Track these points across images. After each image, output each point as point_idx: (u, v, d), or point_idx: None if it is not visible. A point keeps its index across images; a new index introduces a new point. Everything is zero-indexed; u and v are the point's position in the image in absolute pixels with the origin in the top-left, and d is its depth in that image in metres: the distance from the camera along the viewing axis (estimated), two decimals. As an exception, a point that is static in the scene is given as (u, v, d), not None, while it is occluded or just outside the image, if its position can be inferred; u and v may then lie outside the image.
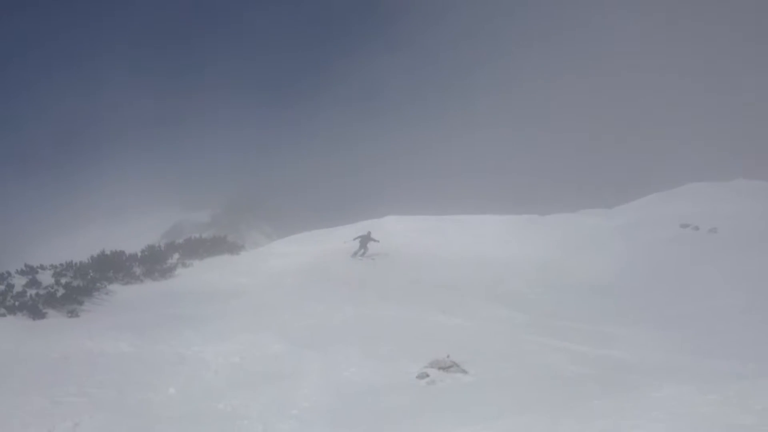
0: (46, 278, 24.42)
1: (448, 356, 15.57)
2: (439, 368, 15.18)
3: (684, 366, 13.94)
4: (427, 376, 14.90)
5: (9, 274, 24.38)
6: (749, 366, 13.26)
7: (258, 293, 24.32)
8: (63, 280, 24.13)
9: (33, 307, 20.60)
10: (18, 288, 22.50)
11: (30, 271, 25.36)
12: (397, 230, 37.46)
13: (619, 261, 29.08)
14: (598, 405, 10.18)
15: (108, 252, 30.15)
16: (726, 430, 7.31)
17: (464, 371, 15.23)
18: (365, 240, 30.72)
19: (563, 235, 36.29)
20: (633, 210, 43.68)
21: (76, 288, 23.24)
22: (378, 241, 30.85)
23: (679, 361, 14.56)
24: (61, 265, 26.87)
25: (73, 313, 21.04)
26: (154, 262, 29.46)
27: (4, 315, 19.97)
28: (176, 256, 32.10)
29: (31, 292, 22.27)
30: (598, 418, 8.87)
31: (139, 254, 31.03)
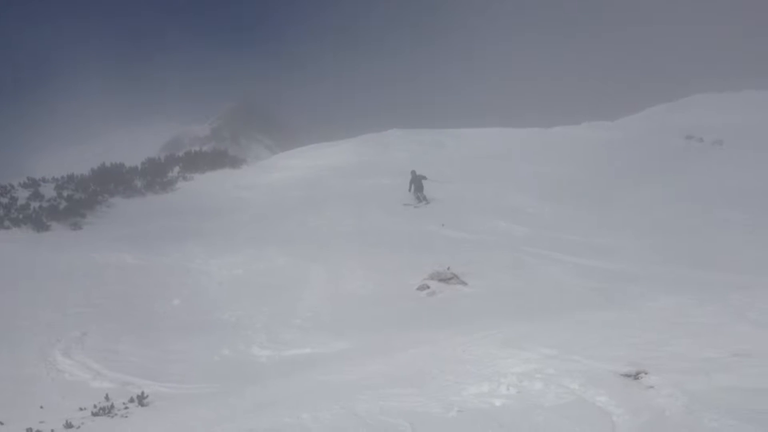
0: (48, 191, 24.53)
1: (448, 268, 15.79)
2: (440, 280, 15.44)
3: (683, 278, 14.14)
4: (428, 287, 15.16)
5: (12, 186, 24.48)
6: (747, 278, 13.45)
7: (260, 207, 24.44)
8: (65, 193, 24.24)
9: (37, 220, 20.80)
10: (21, 201, 22.64)
11: (32, 183, 25.47)
12: (399, 144, 37.28)
13: (622, 174, 28.97)
14: (596, 315, 10.39)
15: (108, 165, 30.16)
16: (723, 339, 7.48)
17: (464, 283, 15.49)
18: (417, 181, 24.99)
19: (566, 148, 36.05)
20: (637, 122, 43.31)
21: (79, 201, 23.38)
22: (426, 178, 25.18)
23: (678, 272, 14.76)
24: (63, 177, 26.93)
25: (76, 226, 21.25)
26: (154, 175, 29.48)
27: (8, 228, 20.18)
28: (177, 169, 32.08)
29: (35, 204, 22.43)
30: (598, 328, 9.08)
31: (140, 167, 31.04)
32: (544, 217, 22.56)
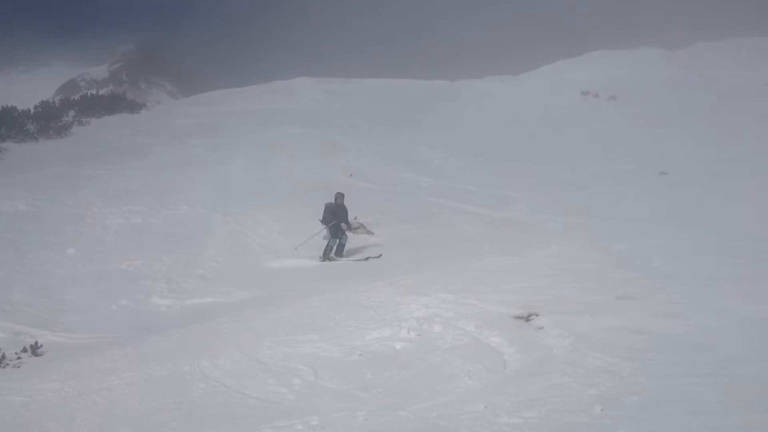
0: (-72, 134, 22.80)
1: (355, 218, 15.90)
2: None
3: (573, 226, 14.87)
4: (333, 236, 15.22)
5: None
6: (634, 227, 14.27)
7: (162, 154, 23.64)
8: (-49, 137, 22.65)
9: None
10: None
11: None
12: (308, 92, 36.84)
13: (522, 127, 29.87)
14: (493, 261, 10.78)
15: (-2, 108, 28.44)
16: (608, 283, 7.94)
17: (370, 232, 15.69)
18: (333, 213, 14.73)
19: (470, 102, 36.67)
20: (537, 77, 44.42)
21: (-34, 145, 21.93)
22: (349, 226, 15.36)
23: (569, 221, 15.51)
24: (-51, 120, 25.13)
25: (-39, 172, 19.94)
26: (48, 120, 28.04)
27: None
28: (72, 113, 30.76)
29: None
30: (494, 273, 9.43)
31: (33, 111, 29.49)
32: (449, 168, 23.01)
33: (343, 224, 14.54)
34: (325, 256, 14.14)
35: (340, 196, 14.93)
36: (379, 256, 13.71)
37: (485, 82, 43.54)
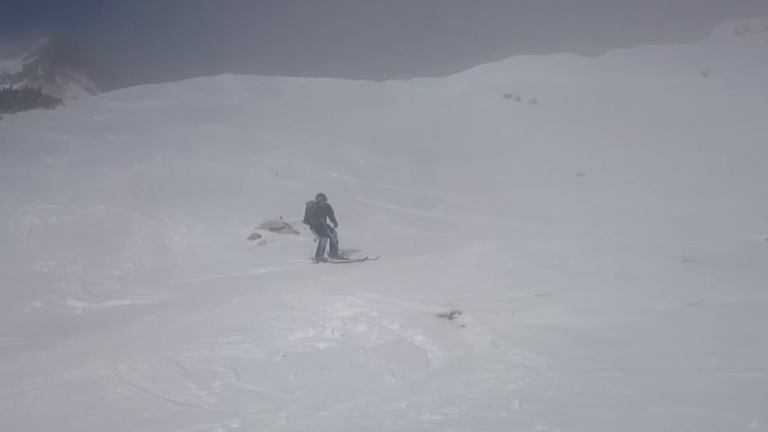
0: None
1: (280, 217, 15.73)
2: (271, 229, 15.38)
3: (494, 226, 15.18)
4: (259, 237, 15.04)
5: None
6: (552, 226, 14.69)
7: (78, 151, 22.77)
8: None
9: None
10: None
11: None
12: (232, 90, 36.29)
13: (447, 128, 30.33)
14: (418, 260, 10.91)
15: None
16: (527, 281, 8.17)
17: (296, 232, 15.54)
18: (315, 214, 13.92)
19: (396, 102, 37.00)
20: (462, 79, 45.25)
21: None
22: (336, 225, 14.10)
23: (490, 221, 15.83)
24: None
25: None
26: (-46, 114, 26.64)
27: None
28: (-18, 108, 29.35)
29: None
30: (418, 272, 9.54)
31: (-63, 105, 28.00)
32: (375, 167, 23.11)
33: (329, 222, 13.86)
34: (318, 257, 13.44)
35: (322, 199, 14.09)
36: (377, 258, 12.85)
37: (411, 83, 44.08)
